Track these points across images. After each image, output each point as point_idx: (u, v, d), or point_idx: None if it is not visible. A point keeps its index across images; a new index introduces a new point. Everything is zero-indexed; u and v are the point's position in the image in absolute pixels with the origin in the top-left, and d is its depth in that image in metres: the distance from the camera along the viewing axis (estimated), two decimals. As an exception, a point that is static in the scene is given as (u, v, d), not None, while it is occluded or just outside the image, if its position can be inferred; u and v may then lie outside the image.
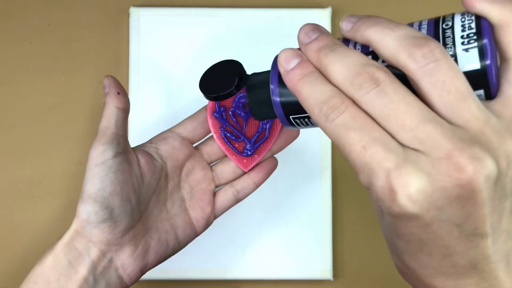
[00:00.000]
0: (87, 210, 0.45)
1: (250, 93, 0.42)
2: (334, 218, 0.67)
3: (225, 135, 0.52)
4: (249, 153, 0.52)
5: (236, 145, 0.52)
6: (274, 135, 0.52)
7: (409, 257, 0.34)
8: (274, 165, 0.54)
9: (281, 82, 0.37)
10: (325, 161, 0.67)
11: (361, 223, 0.68)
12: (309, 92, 0.33)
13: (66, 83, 0.69)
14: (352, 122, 0.30)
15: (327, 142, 0.67)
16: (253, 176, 0.53)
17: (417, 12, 0.70)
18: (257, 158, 0.53)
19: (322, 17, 0.68)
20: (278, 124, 0.53)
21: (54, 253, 0.46)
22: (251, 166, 0.53)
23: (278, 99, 0.38)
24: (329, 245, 0.66)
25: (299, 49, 0.36)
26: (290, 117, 0.38)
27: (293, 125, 0.39)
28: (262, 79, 0.42)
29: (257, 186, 0.54)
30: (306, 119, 0.38)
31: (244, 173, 0.54)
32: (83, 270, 0.46)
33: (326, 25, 0.68)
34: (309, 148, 0.66)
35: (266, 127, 0.52)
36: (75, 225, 0.46)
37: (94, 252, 0.46)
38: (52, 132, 0.68)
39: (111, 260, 0.47)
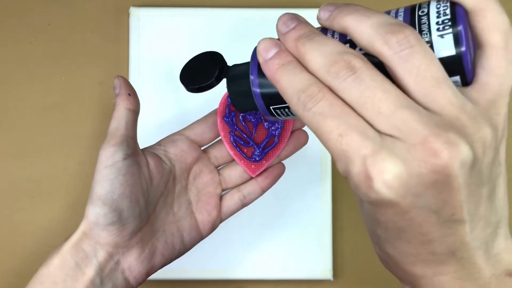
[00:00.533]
0: (96, 212, 0.45)
1: (231, 84, 0.42)
2: (334, 218, 0.68)
3: (235, 140, 0.52)
4: (257, 158, 0.52)
5: (245, 150, 0.52)
6: (283, 141, 0.52)
7: (389, 245, 0.34)
8: (282, 171, 0.54)
9: (260, 73, 0.37)
10: (325, 161, 0.67)
11: (361, 223, 0.68)
12: (288, 81, 0.33)
13: (66, 83, 0.69)
14: (329, 110, 0.30)
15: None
16: (260, 182, 0.54)
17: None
18: (265, 164, 0.53)
19: (322, 18, 0.68)
20: (287, 130, 0.53)
21: (61, 254, 0.46)
22: (259, 171, 0.53)
23: (258, 90, 0.38)
24: (329, 245, 0.67)
25: (278, 39, 0.35)
26: (271, 107, 0.38)
27: (274, 115, 0.39)
28: (242, 70, 0.41)
29: (263, 191, 0.54)
30: (287, 109, 0.38)
31: (251, 178, 0.54)
32: (90, 272, 0.46)
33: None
34: (309, 148, 0.66)
35: (275, 133, 0.52)
36: (83, 227, 0.46)
37: (101, 254, 0.46)
38: (52, 132, 0.68)
39: (118, 263, 0.47)
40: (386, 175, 0.29)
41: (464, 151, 0.28)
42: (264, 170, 0.53)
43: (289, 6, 0.69)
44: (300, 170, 0.67)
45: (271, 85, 0.37)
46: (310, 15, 0.68)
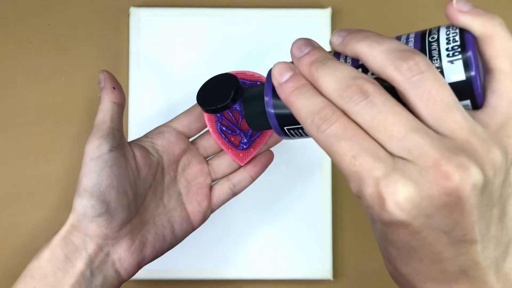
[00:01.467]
0: (84, 204, 0.45)
1: (246, 105, 0.44)
2: (334, 218, 0.67)
3: (221, 129, 0.52)
4: (245, 147, 0.52)
5: (232, 139, 0.52)
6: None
7: (401, 263, 0.34)
8: (270, 158, 0.55)
9: (275, 95, 0.38)
10: (324, 160, 0.67)
11: (361, 223, 0.68)
12: (302, 104, 0.34)
13: (66, 83, 0.69)
14: (342, 132, 0.31)
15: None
16: (249, 170, 0.54)
17: (416, 11, 0.70)
18: (253, 152, 0.53)
19: (322, 17, 0.68)
20: None
21: (51, 247, 0.46)
22: (247, 159, 0.53)
23: (272, 110, 0.39)
24: (329, 245, 0.66)
25: (292, 62, 0.36)
26: (285, 128, 0.40)
27: (287, 135, 0.41)
28: (257, 91, 0.43)
29: (253, 179, 0.54)
30: (300, 130, 0.39)
31: (240, 166, 0.54)
32: (80, 264, 0.46)
33: (326, 25, 0.68)
34: (309, 148, 0.66)
35: None
36: (71, 220, 0.46)
37: (90, 246, 0.46)
38: (52, 132, 0.68)
39: (108, 254, 0.47)
40: (399, 197, 0.29)
41: (475, 174, 0.29)
42: (253, 158, 0.53)
43: (289, 6, 0.69)
44: (300, 170, 0.67)
45: (285, 107, 0.38)
46: (310, 15, 0.68)
